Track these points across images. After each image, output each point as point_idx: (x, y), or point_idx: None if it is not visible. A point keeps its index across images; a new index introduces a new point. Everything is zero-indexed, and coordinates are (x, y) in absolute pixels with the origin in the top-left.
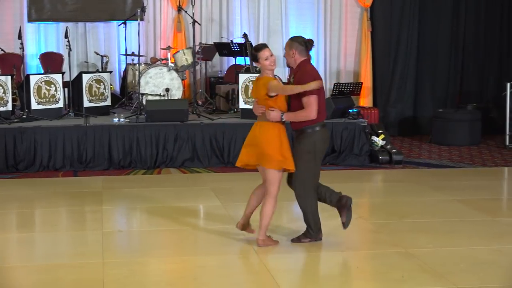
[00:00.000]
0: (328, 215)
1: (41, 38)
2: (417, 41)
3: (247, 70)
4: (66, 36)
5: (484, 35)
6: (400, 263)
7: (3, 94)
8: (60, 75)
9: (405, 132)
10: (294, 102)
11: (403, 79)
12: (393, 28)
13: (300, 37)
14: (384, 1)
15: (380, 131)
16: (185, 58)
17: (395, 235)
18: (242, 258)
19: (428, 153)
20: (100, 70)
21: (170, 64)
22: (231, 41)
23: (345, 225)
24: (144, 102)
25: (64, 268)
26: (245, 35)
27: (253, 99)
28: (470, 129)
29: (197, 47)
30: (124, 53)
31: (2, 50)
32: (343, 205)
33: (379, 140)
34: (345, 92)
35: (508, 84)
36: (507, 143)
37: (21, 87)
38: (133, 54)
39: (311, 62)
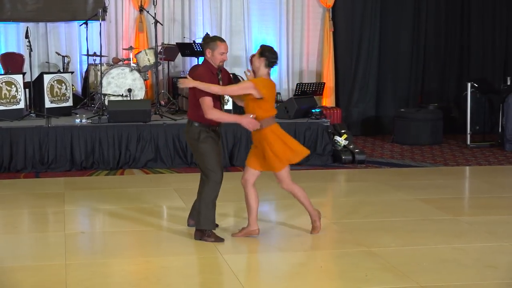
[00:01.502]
0: (290, 215)
1: (1, 38)
2: (379, 41)
3: None
4: (26, 36)
5: (445, 35)
6: (363, 262)
7: None
8: (21, 75)
9: (368, 132)
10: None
11: (365, 79)
12: (355, 28)
13: None
14: (346, 1)
15: (343, 131)
16: (147, 58)
17: (358, 235)
18: (206, 258)
19: (390, 152)
20: (62, 70)
21: (132, 64)
22: (194, 41)
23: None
24: (106, 103)
25: (26, 270)
26: (207, 35)
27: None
28: (432, 129)
29: (159, 47)
30: (85, 53)
31: None
32: None
33: (342, 140)
34: (308, 92)
35: (469, 84)
36: (468, 142)
37: None
38: (95, 54)
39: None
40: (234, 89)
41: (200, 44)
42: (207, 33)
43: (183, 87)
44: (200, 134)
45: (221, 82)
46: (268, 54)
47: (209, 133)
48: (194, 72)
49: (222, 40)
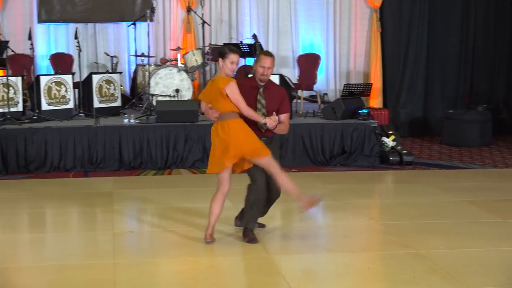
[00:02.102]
0: (338, 216)
1: (51, 39)
2: (427, 41)
3: None
4: (76, 37)
5: (494, 35)
6: (411, 264)
7: (14, 95)
8: (70, 75)
9: (416, 133)
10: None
11: (413, 80)
12: (403, 28)
13: None
14: (394, 2)
15: (390, 132)
16: (194, 58)
17: (405, 236)
18: (254, 259)
19: (438, 154)
20: (110, 71)
21: (180, 65)
22: (241, 41)
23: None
24: (154, 103)
25: (75, 268)
26: (254, 36)
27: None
28: (480, 130)
29: (206, 48)
30: (134, 54)
31: (12, 51)
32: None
33: (389, 141)
34: (355, 93)
35: None
36: None
37: (32, 88)
38: (143, 55)
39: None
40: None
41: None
42: (254, 33)
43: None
44: None
45: (262, 99)
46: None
47: None
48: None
49: (267, 54)
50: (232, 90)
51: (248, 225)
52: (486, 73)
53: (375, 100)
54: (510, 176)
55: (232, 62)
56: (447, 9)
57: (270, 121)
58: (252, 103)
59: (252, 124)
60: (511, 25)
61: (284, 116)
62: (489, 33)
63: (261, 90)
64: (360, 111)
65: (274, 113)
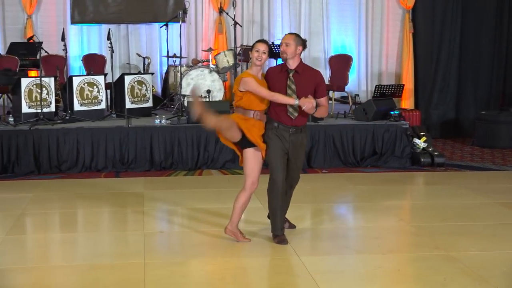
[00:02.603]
0: (368, 217)
1: (83, 39)
2: (460, 42)
3: None
4: (108, 38)
5: None
6: (442, 266)
7: (47, 96)
8: (103, 76)
9: (447, 134)
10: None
11: (445, 81)
12: (435, 29)
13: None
14: (426, 2)
15: (422, 133)
16: (226, 59)
17: (436, 238)
18: (283, 260)
19: (470, 155)
20: (142, 71)
21: (211, 65)
22: (272, 42)
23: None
24: (185, 104)
25: (106, 268)
26: None
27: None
28: None
29: (238, 49)
30: (165, 54)
31: (46, 51)
32: None
33: (420, 142)
34: (387, 94)
35: None
36: None
37: (64, 89)
38: (174, 55)
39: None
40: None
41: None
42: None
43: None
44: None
45: (292, 84)
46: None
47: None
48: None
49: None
50: (246, 86)
51: (275, 232)
52: None
53: (407, 101)
54: None
55: (257, 51)
56: (480, 9)
57: (305, 102)
58: (282, 88)
59: (283, 112)
60: None
61: (322, 100)
62: None
63: (291, 75)
64: (391, 112)
65: (309, 95)
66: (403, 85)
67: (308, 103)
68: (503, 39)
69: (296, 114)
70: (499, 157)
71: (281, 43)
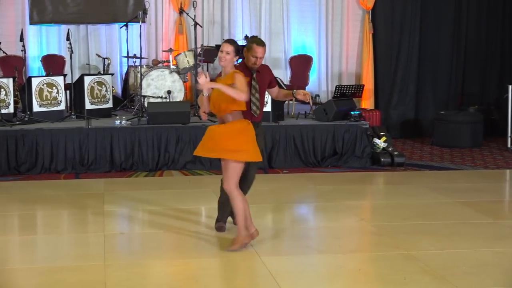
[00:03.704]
0: (329, 217)
1: (42, 40)
2: (419, 43)
3: None
4: (68, 39)
5: (485, 37)
6: (402, 265)
7: (5, 97)
8: (62, 77)
9: (407, 134)
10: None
11: (405, 81)
12: (395, 30)
13: None
14: (386, 3)
15: (382, 133)
16: (186, 60)
17: (397, 238)
18: (244, 260)
19: (430, 155)
20: (102, 72)
21: (171, 66)
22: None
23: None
24: (146, 105)
25: (66, 270)
26: (246, 37)
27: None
28: (472, 131)
29: (198, 49)
30: (126, 55)
31: (4, 52)
32: None
33: (381, 142)
34: (347, 94)
35: (510, 86)
36: (509, 145)
37: (23, 90)
38: (135, 56)
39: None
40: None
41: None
42: (246, 35)
43: (200, 88)
44: None
45: (256, 84)
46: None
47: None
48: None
49: (259, 44)
50: (240, 83)
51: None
52: (478, 74)
53: (367, 102)
54: (501, 177)
55: (221, 51)
56: (438, 11)
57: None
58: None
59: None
60: (502, 26)
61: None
62: (480, 34)
63: (254, 75)
64: (351, 113)
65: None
66: (363, 85)
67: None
68: (461, 40)
69: (258, 112)
70: (458, 156)
71: (254, 55)
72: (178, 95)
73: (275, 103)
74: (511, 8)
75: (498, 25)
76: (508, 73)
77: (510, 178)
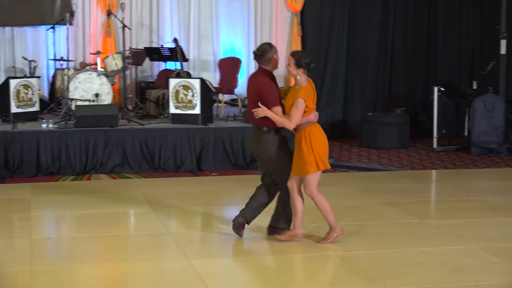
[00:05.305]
0: (258, 219)
1: None
2: (347, 46)
3: (178, 75)
4: None
5: (412, 39)
6: (330, 266)
7: None
8: None
9: (335, 136)
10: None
11: (333, 83)
12: (323, 33)
13: None
14: (314, 5)
15: None
16: (115, 63)
17: None
18: (173, 263)
19: (358, 156)
20: (28, 75)
21: (99, 69)
22: (162, 45)
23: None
24: (73, 108)
25: None
26: (175, 40)
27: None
28: (399, 133)
29: (127, 52)
30: (52, 58)
31: None
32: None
33: None
34: None
35: (436, 88)
36: (435, 146)
37: None
38: (61, 59)
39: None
40: (297, 117)
41: (257, 52)
42: (175, 37)
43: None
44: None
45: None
46: (304, 62)
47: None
48: (260, 83)
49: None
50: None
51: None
52: (404, 76)
53: None
54: (427, 178)
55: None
56: (366, 14)
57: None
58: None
59: None
60: (428, 30)
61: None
62: (407, 37)
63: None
64: None
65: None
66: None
67: None
68: (388, 43)
69: None
70: (385, 157)
71: None
72: (106, 98)
73: (204, 105)
74: (436, 12)
75: (424, 29)
76: (433, 75)
77: (436, 179)
